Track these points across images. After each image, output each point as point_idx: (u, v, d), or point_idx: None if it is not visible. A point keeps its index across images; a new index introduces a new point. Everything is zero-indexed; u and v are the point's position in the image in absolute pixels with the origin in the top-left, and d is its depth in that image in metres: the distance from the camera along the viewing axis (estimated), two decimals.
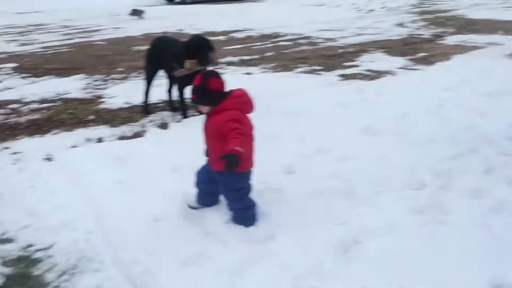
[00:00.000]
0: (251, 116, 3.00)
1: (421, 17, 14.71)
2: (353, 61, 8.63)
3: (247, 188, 3.08)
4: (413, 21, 13.88)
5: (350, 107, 5.39)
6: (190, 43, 5.07)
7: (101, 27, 15.55)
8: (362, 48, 9.84)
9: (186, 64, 4.95)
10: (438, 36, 11.14)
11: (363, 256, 2.65)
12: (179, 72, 5.06)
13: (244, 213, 3.07)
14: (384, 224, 2.93)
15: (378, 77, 7.07)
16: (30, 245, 3.14)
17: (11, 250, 3.09)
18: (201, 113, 3.64)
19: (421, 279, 2.46)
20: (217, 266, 2.61)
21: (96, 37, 13.29)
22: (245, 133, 2.81)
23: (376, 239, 2.78)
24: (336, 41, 11.00)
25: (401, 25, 13.26)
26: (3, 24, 16.88)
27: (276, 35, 12.12)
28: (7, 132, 5.28)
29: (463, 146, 4.11)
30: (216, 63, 5.43)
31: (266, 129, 4.57)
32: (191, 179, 3.26)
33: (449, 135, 4.37)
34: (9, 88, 7.42)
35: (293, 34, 12.11)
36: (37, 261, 2.97)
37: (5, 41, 13.00)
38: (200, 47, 4.99)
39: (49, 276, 2.81)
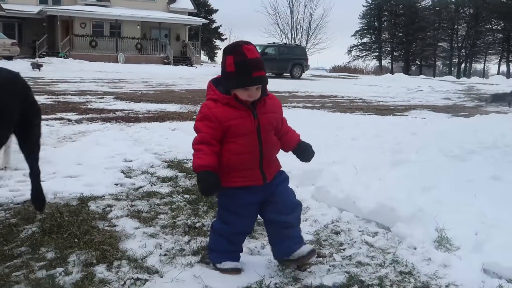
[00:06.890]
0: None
1: (467, 96, 16.11)
2: (403, 112, 10.00)
3: None
4: (459, 97, 15.29)
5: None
6: None
7: (176, 83, 17.73)
8: (411, 107, 11.24)
9: None
10: (480, 106, 12.45)
11: None
12: None
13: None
14: None
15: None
16: None
17: None
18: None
19: None
20: None
21: (174, 87, 15.32)
22: None
23: None
24: (387, 102, 12.48)
25: (447, 99, 14.69)
26: (91, 77, 19.33)
27: (334, 96, 13.78)
28: (132, 120, 6.88)
29: None
30: None
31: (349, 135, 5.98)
32: None
33: None
34: (119, 105, 9.14)
35: (349, 96, 13.72)
36: None
37: (96, 84, 15.14)
38: None
39: None
